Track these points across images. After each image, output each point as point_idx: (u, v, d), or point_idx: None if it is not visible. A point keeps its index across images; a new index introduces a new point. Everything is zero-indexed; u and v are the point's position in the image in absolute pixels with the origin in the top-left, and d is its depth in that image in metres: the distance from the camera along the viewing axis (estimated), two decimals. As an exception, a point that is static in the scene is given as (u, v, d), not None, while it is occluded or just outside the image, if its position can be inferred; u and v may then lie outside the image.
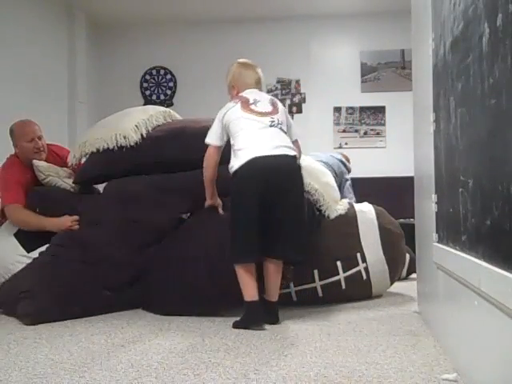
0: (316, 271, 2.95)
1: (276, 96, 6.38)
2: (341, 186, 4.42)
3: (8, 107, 4.90)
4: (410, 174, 2.93)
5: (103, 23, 6.87)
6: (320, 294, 2.97)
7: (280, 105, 2.74)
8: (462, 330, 1.74)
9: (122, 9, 6.54)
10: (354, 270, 3.03)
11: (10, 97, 5.07)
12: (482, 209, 1.43)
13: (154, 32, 6.89)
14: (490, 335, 1.41)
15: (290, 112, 6.53)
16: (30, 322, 2.59)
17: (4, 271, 3.07)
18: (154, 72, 7.04)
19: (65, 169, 3.41)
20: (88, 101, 6.54)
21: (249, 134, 2.55)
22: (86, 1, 6.28)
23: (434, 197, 2.19)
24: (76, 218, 3.11)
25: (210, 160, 2.67)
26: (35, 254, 3.02)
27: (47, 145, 3.49)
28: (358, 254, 3.05)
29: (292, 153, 2.57)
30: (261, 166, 2.48)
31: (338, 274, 2.99)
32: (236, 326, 2.48)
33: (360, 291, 3.09)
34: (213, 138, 2.67)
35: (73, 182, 3.32)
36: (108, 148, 3.17)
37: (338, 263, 2.99)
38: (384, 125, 6.63)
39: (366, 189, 4.74)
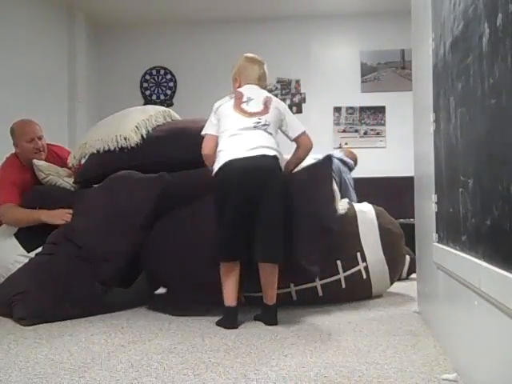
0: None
1: (276, 96, 6.38)
2: (340, 184, 4.42)
3: (8, 107, 4.90)
4: (410, 174, 2.93)
5: (103, 23, 6.87)
6: (320, 293, 2.97)
7: (274, 104, 2.71)
8: (462, 330, 1.74)
9: (122, 9, 6.54)
10: (354, 270, 3.03)
11: (9, 97, 5.07)
12: (482, 209, 1.43)
13: (154, 32, 6.88)
14: (490, 335, 1.41)
15: (290, 112, 6.52)
16: (26, 324, 2.59)
17: (4, 271, 3.07)
18: (154, 72, 7.04)
19: (65, 169, 3.41)
20: (88, 101, 6.54)
21: (229, 134, 2.58)
22: (85, 1, 6.28)
23: (434, 197, 2.19)
24: (70, 211, 3.11)
25: (206, 148, 2.69)
26: (35, 253, 3.02)
27: (48, 145, 3.49)
28: (358, 254, 3.05)
29: (271, 153, 2.55)
30: (235, 169, 2.50)
31: (338, 273, 2.99)
32: (217, 324, 2.55)
33: (360, 291, 3.09)
34: (208, 129, 2.73)
35: (73, 183, 3.32)
36: (108, 149, 3.17)
37: (338, 262, 2.99)
38: (384, 125, 6.63)
39: (366, 189, 4.74)
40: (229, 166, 2.51)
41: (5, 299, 2.74)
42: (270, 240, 2.50)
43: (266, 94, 2.78)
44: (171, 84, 7.00)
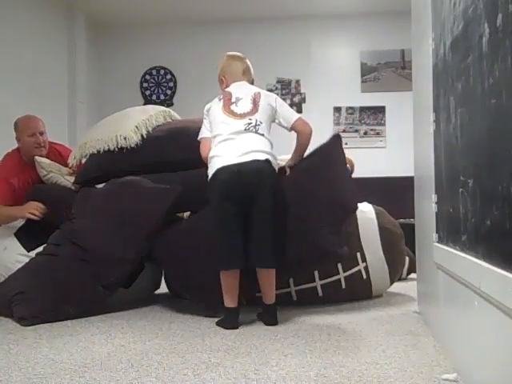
0: (316, 271, 2.95)
1: (276, 96, 6.38)
2: None
3: (8, 107, 4.89)
4: (410, 174, 2.93)
5: (103, 23, 6.87)
6: (320, 293, 2.97)
7: (264, 99, 2.68)
8: (462, 330, 1.74)
9: (122, 9, 6.54)
10: (354, 270, 3.03)
11: (9, 97, 5.07)
12: (482, 209, 1.43)
13: (154, 32, 6.88)
14: (490, 335, 1.41)
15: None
16: (26, 324, 2.59)
17: (4, 270, 3.07)
18: (154, 72, 7.04)
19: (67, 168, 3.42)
20: (88, 101, 6.54)
21: (221, 140, 2.59)
22: (85, 1, 6.28)
23: (434, 197, 2.19)
24: (40, 205, 3.12)
25: (204, 151, 2.70)
26: (35, 253, 3.01)
27: (51, 143, 3.51)
28: (358, 254, 3.05)
29: (263, 157, 2.54)
30: (227, 175, 2.50)
31: (338, 273, 2.99)
32: (217, 324, 2.55)
33: (360, 291, 3.09)
34: (203, 133, 2.74)
35: (73, 183, 3.32)
36: (108, 149, 3.17)
37: (338, 263, 2.98)
38: (384, 125, 6.63)
39: (366, 189, 4.73)
40: (221, 172, 2.51)
41: (5, 299, 2.74)
42: (263, 246, 2.51)
43: (253, 90, 2.75)
44: (171, 84, 7.00)
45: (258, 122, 2.61)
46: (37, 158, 3.31)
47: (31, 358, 2.03)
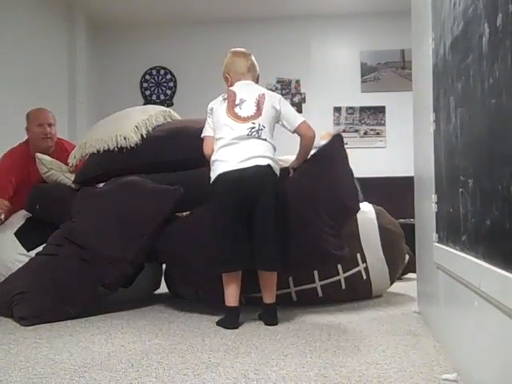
0: (316, 271, 2.95)
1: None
2: None
3: (8, 107, 4.90)
4: (410, 174, 2.93)
5: (103, 23, 6.87)
6: (320, 294, 2.96)
7: (268, 102, 2.67)
8: (462, 330, 1.74)
9: (122, 9, 6.54)
10: (354, 270, 3.03)
11: (9, 97, 5.07)
12: (482, 209, 1.43)
13: (154, 32, 6.89)
14: (490, 335, 1.41)
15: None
16: (26, 324, 2.59)
17: (4, 270, 3.07)
18: (154, 72, 7.05)
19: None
20: (88, 101, 6.55)
21: (224, 144, 2.58)
22: (85, 1, 6.28)
23: (434, 197, 2.19)
24: (6, 203, 3.19)
25: (206, 149, 2.70)
26: (35, 252, 3.01)
27: (59, 139, 3.56)
28: (358, 254, 3.05)
29: (265, 162, 2.54)
30: (228, 180, 2.51)
31: (338, 274, 2.98)
32: (217, 324, 2.55)
33: (360, 291, 3.09)
34: (206, 131, 2.74)
35: (73, 182, 3.32)
36: (108, 149, 3.17)
37: (339, 264, 2.98)
38: (384, 125, 6.63)
39: (365, 189, 4.73)
40: (223, 177, 2.53)
41: (5, 299, 2.74)
42: (266, 249, 2.52)
43: (258, 91, 2.73)
44: (171, 84, 7.01)
45: (260, 127, 2.60)
46: (38, 154, 3.32)
47: (31, 358, 2.03)
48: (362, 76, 6.70)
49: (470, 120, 1.59)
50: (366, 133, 6.66)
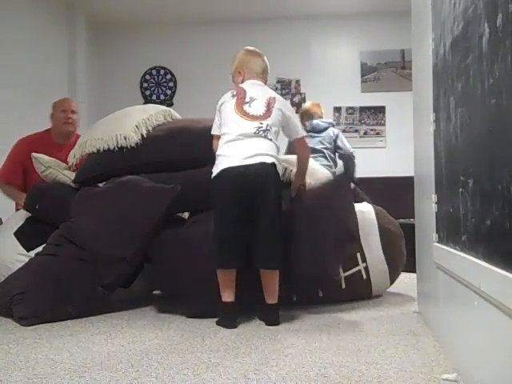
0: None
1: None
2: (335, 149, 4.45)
3: (8, 107, 4.90)
4: (410, 174, 2.93)
5: (103, 23, 6.87)
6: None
7: (278, 106, 2.68)
8: (462, 330, 1.74)
9: (122, 9, 6.54)
10: (354, 270, 3.03)
11: (9, 97, 5.08)
12: (482, 209, 1.43)
13: (154, 32, 6.89)
14: (490, 335, 1.41)
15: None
16: (26, 324, 2.59)
17: (4, 270, 3.07)
18: (154, 72, 7.05)
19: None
20: (88, 101, 6.55)
21: (229, 139, 2.58)
22: (86, 1, 6.29)
23: (434, 197, 2.19)
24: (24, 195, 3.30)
25: (216, 147, 2.69)
26: (34, 253, 3.01)
27: (78, 135, 3.63)
28: (358, 254, 3.05)
29: (270, 160, 2.55)
30: (232, 176, 2.51)
31: (338, 273, 2.98)
32: (217, 324, 2.55)
33: (360, 291, 3.09)
34: (215, 129, 2.74)
35: (73, 182, 3.31)
36: (108, 148, 3.17)
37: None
38: (384, 125, 6.64)
39: (365, 189, 4.74)
40: (227, 172, 2.52)
41: (5, 299, 2.74)
42: (268, 248, 2.52)
43: (269, 93, 2.74)
44: (171, 84, 7.01)
45: (268, 127, 2.61)
46: (33, 154, 3.35)
47: (31, 358, 2.03)
48: (362, 76, 6.70)
49: (470, 120, 1.59)
50: (366, 133, 6.66)
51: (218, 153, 2.61)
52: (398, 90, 6.41)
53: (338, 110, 6.69)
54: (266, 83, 2.85)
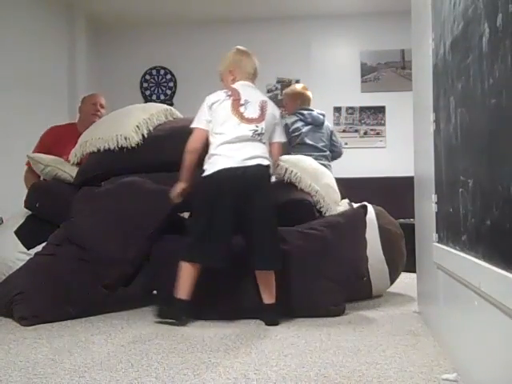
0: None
1: (276, 96, 6.39)
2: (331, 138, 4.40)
3: (8, 107, 4.90)
4: (410, 174, 2.93)
5: (103, 23, 6.87)
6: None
7: (270, 109, 2.71)
8: (462, 330, 1.74)
9: (122, 9, 6.54)
10: (354, 270, 3.03)
11: (9, 97, 5.07)
12: (482, 209, 1.43)
13: (154, 32, 6.89)
14: (490, 335, 1.41)
15: (290, 112, 6.52)
16: (26, 324, 2.58)
17: (4, 269, 3.07)
18: (154, 72, 7.05)
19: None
20: (88, 101, 6.54)
21: (226, 140, 2.58)
22: (86, 1, 6.29)
23: (434, 197, 2.19)
24: None
25: (192, 144, 2.68)
26: (35, 251, 3.01)
27: None
28: (358, 254, 3.05)
29: (265, 162, 2.59)
30: (230, 177, 2.53)
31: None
32: (159, 315, 2.58)
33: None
34: (200, 123, 2.70)
35: (73, 182, 3.31)
36: (109, 148, 3.17)
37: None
38: (384, 125, 6.63)
39: (366, 189, 4.74)
40: (225, 172, 2.54)
41: (5, 299, 2.74)
42: (264, 249, 2.54)
43: (261, 96, 2.78)
44: (171, 84, 7.01)
45: (262, 131, 2.64)
46: (29, 154, 3.42)
47: (31, 358, 2.03)
48: (362, 76, 6.70)
49: (470, 120, 1.59)
50: (366, 133, 6.66)
51: (212, 152, 2.61)
52: (398, 90, 6.40)
53: (337, 109, 6.69)
54: (254, 84, 2.85)
